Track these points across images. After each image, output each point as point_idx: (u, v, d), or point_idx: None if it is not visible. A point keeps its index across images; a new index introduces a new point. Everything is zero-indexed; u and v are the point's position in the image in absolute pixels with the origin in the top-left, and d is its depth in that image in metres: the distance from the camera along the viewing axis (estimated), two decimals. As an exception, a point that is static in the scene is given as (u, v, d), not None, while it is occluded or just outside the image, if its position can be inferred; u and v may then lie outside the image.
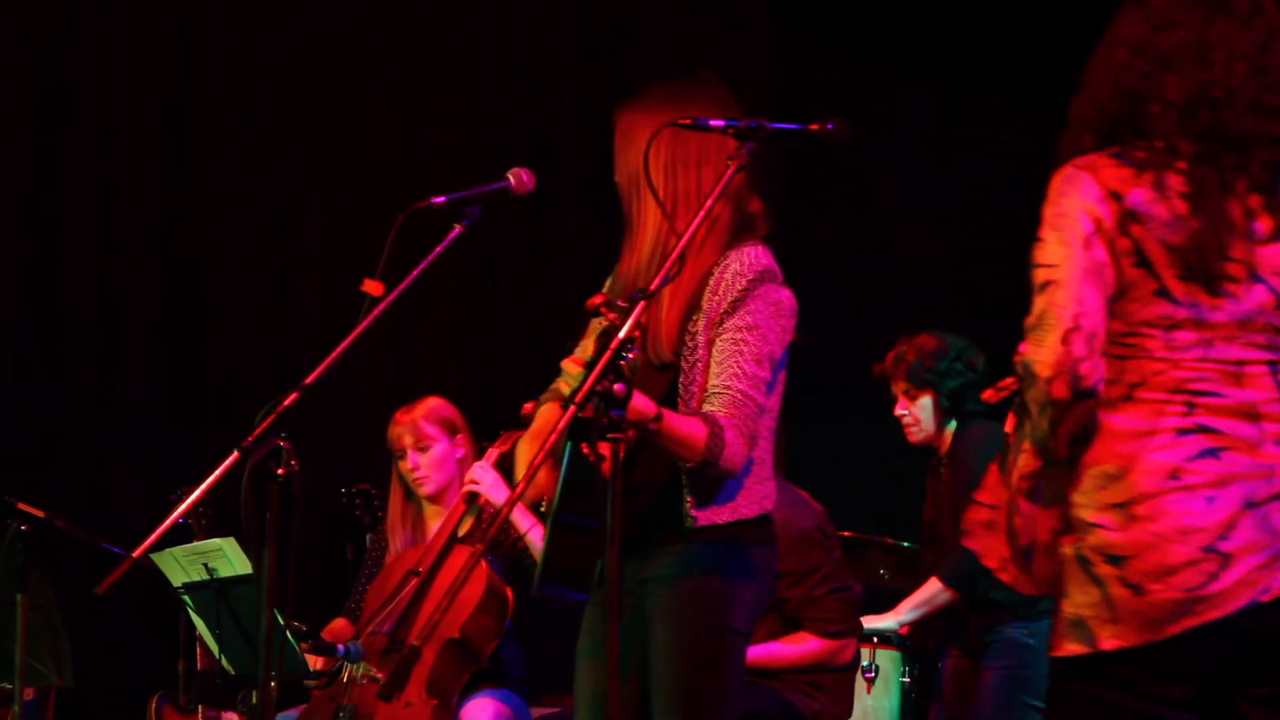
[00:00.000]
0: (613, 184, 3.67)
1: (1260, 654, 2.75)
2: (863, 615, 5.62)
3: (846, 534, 5.94)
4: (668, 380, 3.50)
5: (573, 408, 3.03)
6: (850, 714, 5.38)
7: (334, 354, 3.38)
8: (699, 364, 3.50)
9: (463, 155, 7.26)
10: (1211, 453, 2.75)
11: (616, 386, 3.07)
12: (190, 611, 4.99)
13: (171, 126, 7.17)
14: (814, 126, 3.34)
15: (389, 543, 5.58)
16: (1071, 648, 2.79)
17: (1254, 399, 2.78)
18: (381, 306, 3.43)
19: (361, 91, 7.35)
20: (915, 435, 5.78)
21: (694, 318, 3.52)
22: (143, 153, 7.12)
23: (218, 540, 4.82)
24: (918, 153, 7.45)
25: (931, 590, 5.59)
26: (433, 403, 5.59)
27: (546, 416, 3.68)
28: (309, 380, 3.33)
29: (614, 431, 3.09)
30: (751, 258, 3.52)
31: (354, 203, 7.20)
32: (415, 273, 3.48)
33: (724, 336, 3.48)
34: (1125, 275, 2.78)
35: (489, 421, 5.61)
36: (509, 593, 5.22)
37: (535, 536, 5.05)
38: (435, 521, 5.50)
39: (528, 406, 3.90)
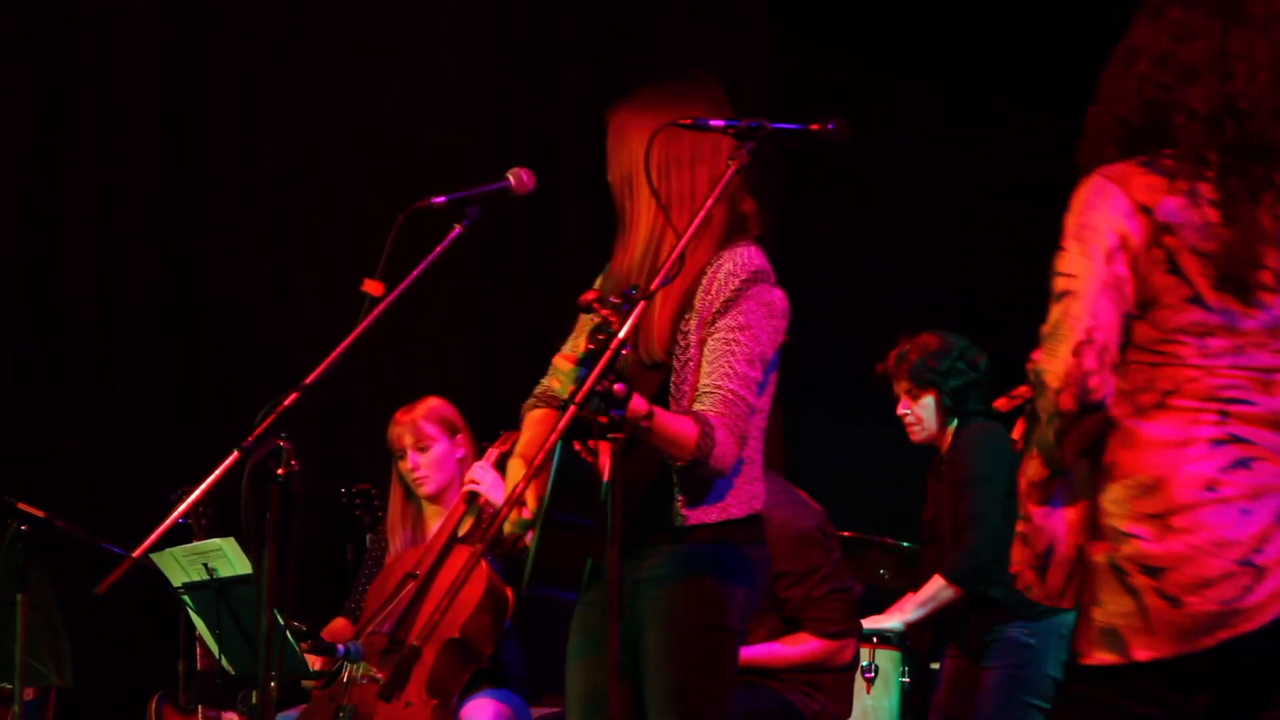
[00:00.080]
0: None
1: None
2: (866, 615, 5.62)
3: (846, 534, 5.95)
4: (659, 379, 3.50)
5: (573, 408, 3.03)
6: (850, 714, 5.38)
7: (334, 354, 3.38)
8: (690, 363, 3.50)
9: (463, 155, 7.26)
10: (1243, 463, 2.78)
11: (617, 386, 3.07)
12: (190, 611, 4.99)
13: (171, 126, 7.17)
14: (814, 126, 3.34)
15: (389, 543, 5.58)
16: (1103, 657, 2.81)
17: None
18: (381, 306, 3.43)
19: (361, 91, 7.35)
20: (917, 434, 5.78)
21: (686, 317, 3.52)
22: (143, 153, 7.12)
23: (218, 540, 4.82)
24: (918, 153, 7.45)
25: (935, 588, 5.59)
26: (433, 403, 5.59)
27: (534, 429, 3.68)
28: (309, 380, 3.33)
29: (614, 431, 3.09)
30: (744, 258, 3.52)
31: (354, 203, 7.20)
32: (415, 273, 3.48)
33: (716, 336, 3.48)
34: (1157, 282, 2.80)
35: (489, 421, 5.61)
36: (509, 593, 5.22)
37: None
38: (435, 521, 5.50)
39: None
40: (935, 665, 5.92)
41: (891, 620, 5.66)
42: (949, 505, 5.67)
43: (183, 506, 3.25)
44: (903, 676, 5.68)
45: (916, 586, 5.76)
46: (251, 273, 7.20)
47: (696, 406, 3.44)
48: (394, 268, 3.45)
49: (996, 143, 7.28)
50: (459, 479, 5.42)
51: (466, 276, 7.18)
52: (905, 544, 6.27)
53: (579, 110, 7.33)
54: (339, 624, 5.55)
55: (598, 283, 3.68)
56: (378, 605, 5.14)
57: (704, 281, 3.52)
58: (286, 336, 7.16)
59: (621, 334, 3.08)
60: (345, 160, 7.30)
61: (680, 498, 3.49)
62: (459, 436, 5.56)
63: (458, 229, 3.58)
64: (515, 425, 3.80)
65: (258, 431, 3.24)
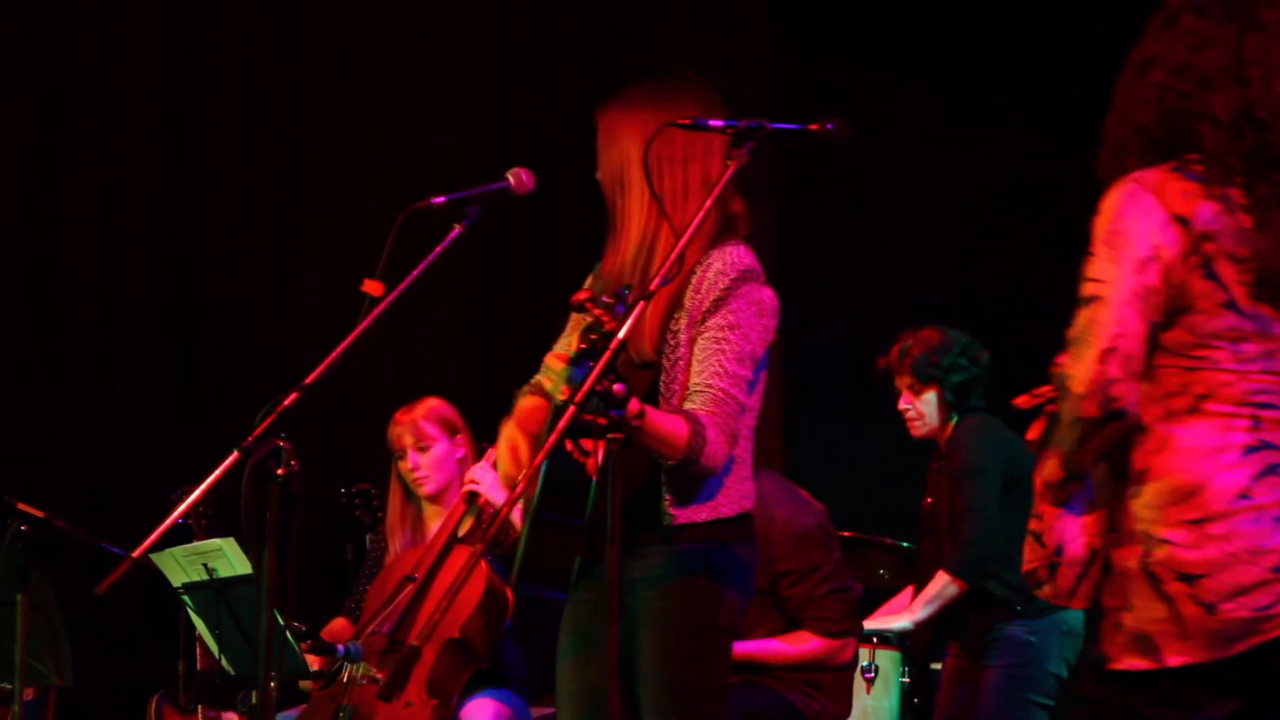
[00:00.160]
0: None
1: None
2: (866, 615, 5.62)
3: (846, 534, 5.95)
4: (649, 378, 3.50)
5: (572, 408, 3.03)
6: (850, 714, 5.38)
7: (334, 354, 3.38)
8: (680, 362, 3.50)
9: (463, 155, 7.26)
10: (1274, 469, 2.81)
11: (617, 387, 3.07)
12: (190, 611, 4.98)
13: (171, 126, 7.17)
14: (814, 126, 3.34)
15: (389, 543, 5.58)
16: (1134, 662, 2.82)
17: None
18: (381, 306, 3.43)
19: (361, 91, 7.35)
20: (918, 430, 5.78)
21: (676, 316, 3.52)
22: (143, 153, 7.12)
23: (218, 540, 4.82)
24: (918, 153, 7.45)
25: (940, 584, 5.59)
26: (432, 403, 5.59)
27: (528, 406, 3.69)
28: (309, 380, 3.33)
29: (614, 431, 3.09)
30: (734, 257, 3.53)
31: (354, 203, 7.20)
32: (415, 273, 3.48)
33: (706, 335, 3.49)
34: (1195, 288, 2.81)
35: (489, 421, 5.57)
36: (509, 593, 5.22)
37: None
38: (435, 522, 5.50)
39: None
40: (936, 666, 5.93)
41: (901, 620, 5.66)
42: (946, 499, 5.67)
43: (183, 506, 3.26)
44: (903, 676, 5.68)
45: (916, 584, 5.77)
46: (251, 273, 7.20)
47: (687, 405, 3.44)
48: (394, 268, 3.45)
49: (996, 143, 7.28)
50: (459, 479, 5.41)
51: (466, 276, 7.18)
52: (905, 544, 6.27)
53: (579, 110, 7.32)
54: (339, 624, 5.55)
55: (588, 282, 3.68)
56: (378, 605, 5.14)
57: (694, 280, 3.52)
58: (286, 336, 7.16)
59: (621, 334, 3.08)
60: (345, 160, 7.30)
61: (669, 497, 3.49)
62: (459, 436, 5.56)
63: (458, 229, 3.59)
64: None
65: (258, 431, 3.24)
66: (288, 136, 7.27)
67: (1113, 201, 2.85)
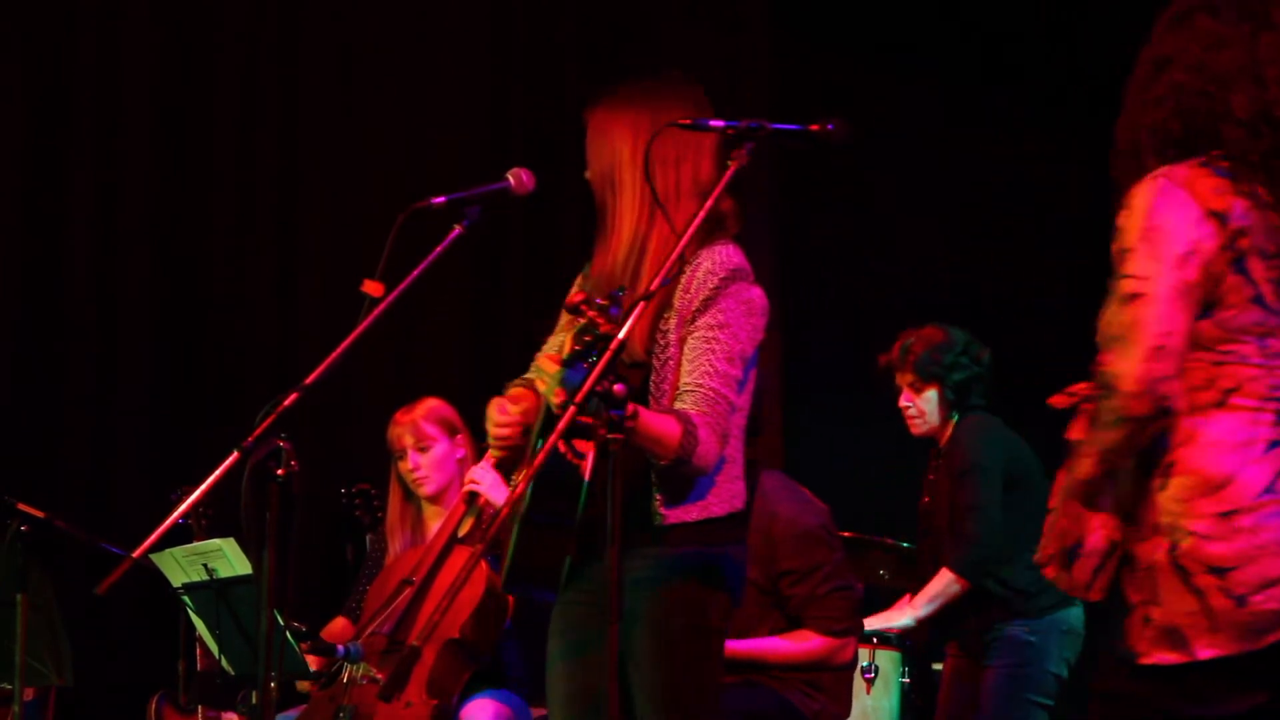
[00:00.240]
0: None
1: None
2: (874, 614, 5.62)
3: (847, 534, 5.94)
4: (639, 378, 3.50)
5: (572, 408, 3.03)
6: (850, 714, 5.38)
7: (334, 354, 3.38)
8: (670, 362, 3.50)
9: (463, 155, 7.26)
10: None
11: (616, 387, 3.07)
12: (190, 612, 4.98)
13: (171, 126, 7.17)
14: (814, 126, 3.34)
15: (389, 543, 5.58)
16: (1164, 656, 2.83)
17: None
18: (381, 307, 3.44)
19: (361, 91, 7.35)
20: (919, 427, 5.78)
21: (665, 316, 3.52)
22: (143, 153, 7.13)
23: (218, 540, 4.82)
24: (918, 153, 7.45)
25: (943, 583, 5.59)
26: (432, 403, 5.59)
27: (519, 392, 3.71)
28: (309, 380, 3.33)
29: (614, 431, 3.09)
30: (723, 256, 3.53)
31: (354, 203, 7.20)
32: (415, 273, 3.48)
33: (695, 335, 3.49)
34: (1225, 282, 2.82)
35: (489, 422, 5.60)
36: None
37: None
38: (435, 522, 5.50)
39: None
40: (937, 666, 5.93)
41: (903, 617, 5.66)
42: (945, 498, 5.67)
43: (183, 507, 3.26)
44: (903, 676, 5.67)
45: (916, 584, 5.77)
46: (251, 273, 7.20)
47: (678, 405, 3.44)
48: (394, 268, 3.45)
49: (996, 143, 7.28)
50: (459, 479, 5.41)
51: (466, 276, 7.18)
52: (905, 544, 6.27)
53: (579, 110, 7.29)
54: (339, 624, 5.55)
55: (577, 283, 3.68)
56: (378, 606, 5.14)
57: (683, 280, 3.52)
58: (286, 336, 7.16)
59: (622, 334, 3.08)
60: (345, 160, 7.30)
61: (659, 497, 3.49)
62: (459, 437, 5.56)
63: (458, 229, 3.59)
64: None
65: (258, 431, 3.25)
66: (288, 136, 7.27)
67: (1145, 198, 2.84)
